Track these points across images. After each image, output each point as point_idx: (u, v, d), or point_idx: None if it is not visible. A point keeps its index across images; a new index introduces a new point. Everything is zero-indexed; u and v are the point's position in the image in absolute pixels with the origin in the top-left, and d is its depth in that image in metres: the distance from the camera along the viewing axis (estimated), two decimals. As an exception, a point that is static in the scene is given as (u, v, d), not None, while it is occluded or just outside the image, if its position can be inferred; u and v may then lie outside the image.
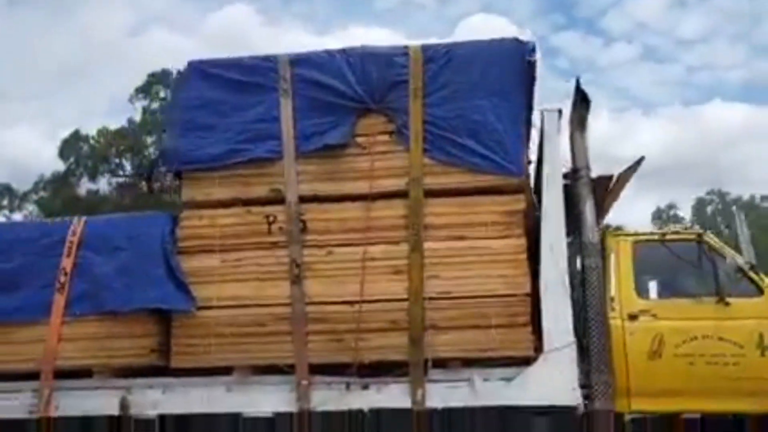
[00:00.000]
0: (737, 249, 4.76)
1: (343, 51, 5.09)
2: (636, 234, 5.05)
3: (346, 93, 4.94)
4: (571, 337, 4.47)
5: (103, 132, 21.97)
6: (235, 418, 4.66)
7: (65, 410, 4.79)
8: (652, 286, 5.01)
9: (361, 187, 4.85)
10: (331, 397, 4.59)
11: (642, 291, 4.81)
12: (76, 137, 21.75)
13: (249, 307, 4.75)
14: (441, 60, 4.95)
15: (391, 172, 4.84)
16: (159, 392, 4.76)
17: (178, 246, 4.89)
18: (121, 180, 22.33)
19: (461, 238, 4.69)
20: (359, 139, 4.93)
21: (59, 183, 21.93)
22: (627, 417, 4.58)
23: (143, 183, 21.70)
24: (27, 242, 5.05)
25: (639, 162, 4.98)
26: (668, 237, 4.98)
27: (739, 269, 4.75)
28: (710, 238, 4.89)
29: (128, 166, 22.47)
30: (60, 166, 21.85)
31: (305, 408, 4.58)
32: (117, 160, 22.30)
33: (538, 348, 4.48)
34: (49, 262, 4.97)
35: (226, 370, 4.74)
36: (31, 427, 4.81)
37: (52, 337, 4.84)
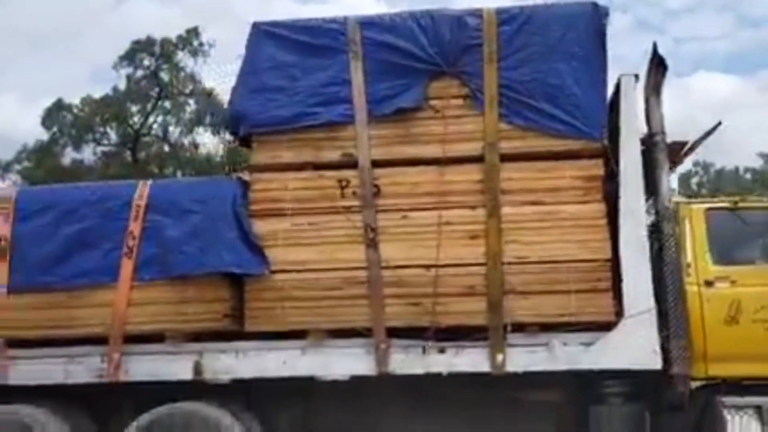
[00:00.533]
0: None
1: (413, 14, 5.00)
2: (709, 201, 5.03)
3: (419, 55, 4.86)
4: (651, 302, 4.47)
5: (86, 100, 21.50)
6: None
7: (135, 375, 4.75)
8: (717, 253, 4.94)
9: (435, 151, 4.79)
10: (409, 361, 4.57)
11: (717, 258, 4.80)
12: (59, 106, 21.27)
13: (324, 271, 4.70)
14: (516, 23, 4.87)
15: (466, 137, 4.79)
16: (232, 357, 4.72)
17: (250, 209, 4.82)
18: (105, 149, 21.98)
19: (539, 203, 4.65)
20: (432, 103, 4.85)
21: (42, 152, 21.49)
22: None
23: (128, 152, 21.46)
24: (92, 204, 4.95)
25: (715, 127, 4.96)
26: (741, 205, 4.97)
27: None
28: (784, 206, 4.90)
29: (113, 135, 22.15)
30: (43, 135, 21.43)
31: (384, 371, 4.56)
32: (101, 129, 21.93)
33: (619, 312, 4.47)
34: (115, 226, 4.88)
35: (301, 334, 4.70)
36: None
37: (121, 301, 4.77)
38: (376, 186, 4.77)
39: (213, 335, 4.78)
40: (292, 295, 4.69)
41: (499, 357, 4.48)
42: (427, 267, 4.63)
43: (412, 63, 4.87)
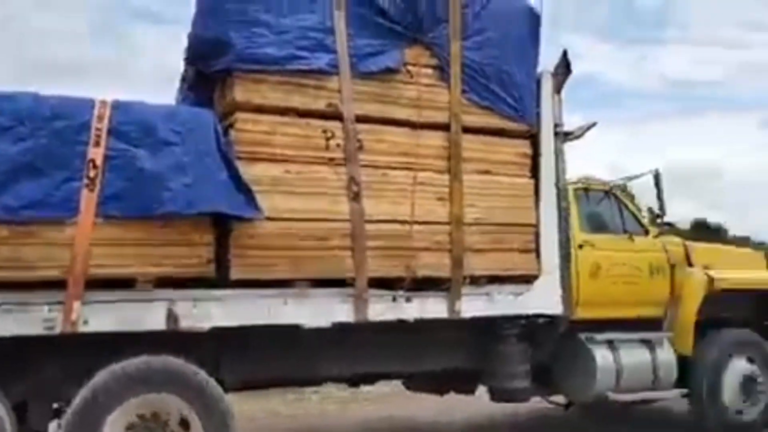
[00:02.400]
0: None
1: None
2: (576, 183, 6.36)
3: (397, 19, 5.09)
4: (558, 261, 5.64)
5: None
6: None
7: (97, 325, 4.15)
8: (584, 224, 6.30)
9: (410, 114, 5.14)
10: (382, 309, 4.94)
11: (584, 228, 6.21)
12: None
13: (312, 221, 4.72)
14: (477, 7, 5.43)
15: (436, 105, 5.23)
16: (212, 305, 4.45)
17: (236, 150, 4.53)
18: None
19: (489, 172, 5.40)
20: (408, 68, 5.17)
21: None
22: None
23: None
24: (38, 121, 4.05)
25: (591, 125, 6.29)
26: (586, 187, 6.46)
27: (633, 215, 6.53)
28: (617, 191, 6.54)
29: None
30: None
31: (363, 319, 4.85)
32: None
33: (539, 269, 5.55)
34: (69, 150, 4.10)
35: (282, 283, 4.67)
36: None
37: (82, 240, 4.07)
38: (359, 141, 4.92)
39: (183, 282, 4.42)
40: (280, 243, 4.61)
41: (458, 305, 5.16)
42: (403, 223, 5.02)
43: (391, 25, 5.08)
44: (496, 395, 5.98)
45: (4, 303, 3.96)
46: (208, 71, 4.74)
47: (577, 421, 7.43)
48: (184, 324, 4.36)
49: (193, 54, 4.76)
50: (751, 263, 7.48)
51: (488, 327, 5.66)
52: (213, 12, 4.65)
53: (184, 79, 5.58)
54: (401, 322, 5.08)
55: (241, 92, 4.60)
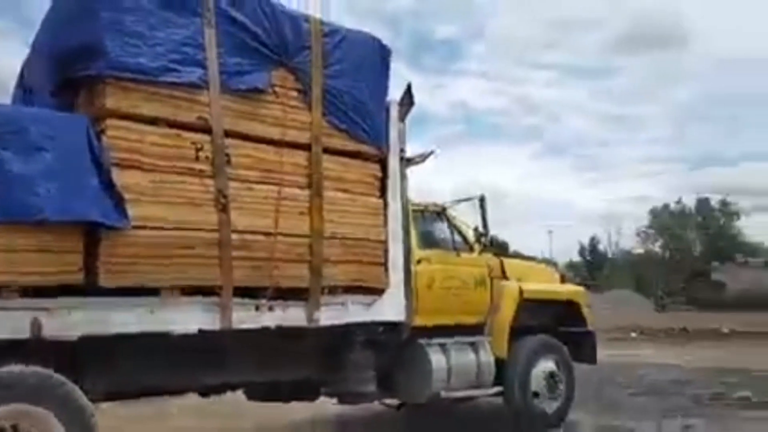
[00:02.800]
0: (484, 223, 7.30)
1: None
2: (417, 206, 7.02)
3: (265, 42, 5.39)
4: (402, 275, 6.23)
5: None
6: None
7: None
8: (421, 241, 6.99)
9: (275, 132, 5.44)
10: (246, 317, 5.16)
11: (421, 245, 6.88)
12: None
13: (180, 230, 4.82)
14: (335, 38, 5.87)
15: (299, 126, 5.58)
16: (78, 313, 4.39)
17: (109, 157, 4.53)
18: None
19: (346, 191, 5.85)
20: (275, 89, 5.48)
21: None
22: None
23: None
24: None
25: (431, 153, 7.01)
26: (423, 209, 7.19)
27: (461, 234, 7.38)
28: (448, 213, 7.35)
29: None
30: None
31: (227, 327, 5.03)
32: None
33: (387, 281, 6.08)
34: None
35: (150, 291, 4.72)
36: None
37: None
38: (227, 155, 5.13)
39: (54, 290, 4.32)
40: (149, 252, 4.65)
41: (316, 314, 5.52)
42: (267, 235, 5.28)
43: (259, 46, 5.36)
44: (344, 399, 6.38)
45: None
46: (74, 76, 4.66)
47: (407, 419, 8.06)
48: (49, 333, 4.25)
49: (57, 58, 4.66)
50: (549, 278, 8.70)
51: (341, 335, 6.05)
52: (85, 17, 4.62)
53: (21, 84, 5.42)
54: (263, 331, 5.29)
55: (112, 99, 4.59)
